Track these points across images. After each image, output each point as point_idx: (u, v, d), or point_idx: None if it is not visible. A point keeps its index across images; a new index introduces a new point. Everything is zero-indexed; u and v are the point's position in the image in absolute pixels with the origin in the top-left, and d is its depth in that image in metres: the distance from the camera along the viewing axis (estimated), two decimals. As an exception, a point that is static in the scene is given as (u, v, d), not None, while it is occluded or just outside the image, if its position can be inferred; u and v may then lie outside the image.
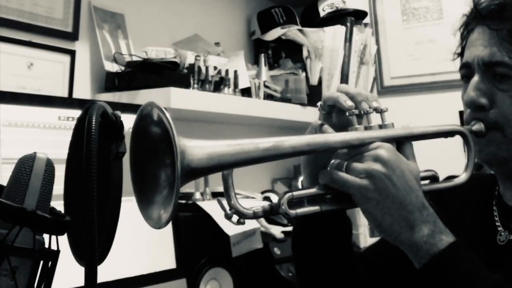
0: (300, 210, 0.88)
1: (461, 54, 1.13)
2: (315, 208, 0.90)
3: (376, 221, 0.88)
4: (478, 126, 1.03)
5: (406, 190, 0.88)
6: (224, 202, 0.86)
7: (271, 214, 0.90)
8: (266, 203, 0.90)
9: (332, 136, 0.92)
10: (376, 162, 0.88)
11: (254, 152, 0.83)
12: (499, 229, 1.08)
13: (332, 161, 0.92)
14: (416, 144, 0.97)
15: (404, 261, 1.12)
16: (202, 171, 0.79)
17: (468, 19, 1.10)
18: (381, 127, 0.95)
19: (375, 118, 0.96)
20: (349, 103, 0.95)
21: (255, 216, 0.87)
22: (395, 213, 0.87)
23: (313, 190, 0.91)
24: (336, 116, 0.99)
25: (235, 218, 0.85)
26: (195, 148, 0.77)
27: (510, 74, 1.01)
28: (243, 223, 0.86)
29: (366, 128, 0.94)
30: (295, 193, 0.89)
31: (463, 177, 1.01)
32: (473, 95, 1.04)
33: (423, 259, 0.88)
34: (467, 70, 1.08)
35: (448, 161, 1.03)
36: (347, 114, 0.94)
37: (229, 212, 0.85)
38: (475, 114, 1.05)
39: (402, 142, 0.94)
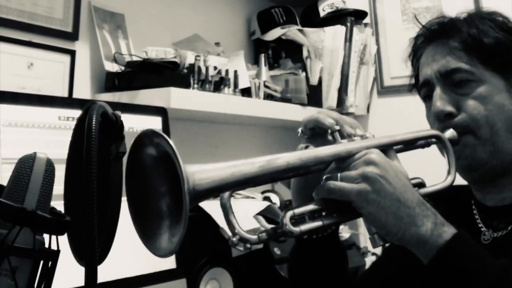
0: (303, 227, 0.88)
1: (416, 83, 1.18)
2: (318, 223, 0.90)
3: (380, 222, 0.89)
4: (450, 133, 1.06)
5: (402, 188, 0.90)
6: (227, 229, 0.85)
7: (276, 236, 0.88)
8: (269, 226, 0.89)
9: (321, 150, 0.93)
10: (369, 165, 0.89)
11: (251, 171, 0.83)
12: (482, 229, 1.11)
13: (324, 176, 0.93)
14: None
15: (395, 283, 1.15)
16: (206, 193, 0.78)
17: (415, 46, 1.17)
18: (362, 138, 0.96)
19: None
20: (330, 120, 0.97)
21: (260, 240, 0.86)
22: (397, 211, 0.88)
23: (312, 207, 0.91)
24: (319, 138, 1.01)
25: (240, 244, 0.84)
26: (196, 173, 0.76)
27: (467, 78, 1.07)
28: (250, 249, 0.86)
29: (349, 141, 0.95)
30: (295, 210, 0.89)
31: (449, 180, 1.03)
32: (439, 105, 1.08)
33: (430, 252, 0.89)
34: (427, 88, 1.13)
35: (429, 177, 1.04)
36: (330, 131, 0.96)
37: (234, 239, 0.84)
38: (445, 123, 1.08)
39: (386, 151, 0.95)
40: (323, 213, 0.91)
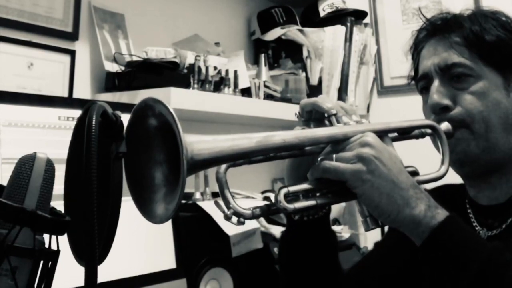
0: (297, 205, 0.89)
1: (414, 76, 1.19)
2: (311, 202, 0.91)
3: (374, 203, 0.89)
4: (445, 126, 1.07)
5: (396, 170, 0.91)
6: (222, 203, 0.86)
7: (269, 212, 0.90)
8: (263, 202, 0.91)
9: (318, 130, 0.94)
10: (364, 147, 0.90)
11: (248, 145, 0.85)
12: (476, 228, 1.12)
13: (320, 158, 0.94)
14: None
15: (387, 277, 1.17)
16: (203, 164, 0.80)
17: (417, 39, 1.18)
18: (357, 123, 0.97)
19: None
20: (328, 104, 0.98)
21: (254, 216, 0.88)
22: (391, 192, 0.89)
23: (306, 186, 0.92)
24: (315, 122, 1.01)
25: (234, 218, 0.86)
26: (195, 143, 0.77)
27: (466, 72, 1.08)
28: (243, 223, 0.87)
29: (345, 125, 0.96)
30: (290, 188, 0.90)
31: (442, 170, 1.03)
32: (436, 98, 1.08)
33: (424, 233, 0.90)
34: (425, 82, 1.14)
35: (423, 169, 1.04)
36: (326, 115, 0.97)
37: (228, 213, 0.85)
38: (440, 116, 1.08)
39: (381, 137, 0.96)
40: (317, 193, 0.92)
